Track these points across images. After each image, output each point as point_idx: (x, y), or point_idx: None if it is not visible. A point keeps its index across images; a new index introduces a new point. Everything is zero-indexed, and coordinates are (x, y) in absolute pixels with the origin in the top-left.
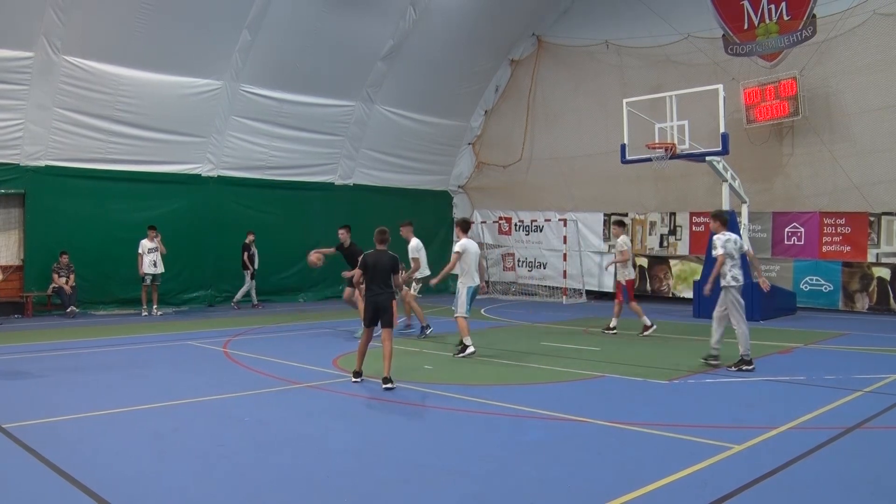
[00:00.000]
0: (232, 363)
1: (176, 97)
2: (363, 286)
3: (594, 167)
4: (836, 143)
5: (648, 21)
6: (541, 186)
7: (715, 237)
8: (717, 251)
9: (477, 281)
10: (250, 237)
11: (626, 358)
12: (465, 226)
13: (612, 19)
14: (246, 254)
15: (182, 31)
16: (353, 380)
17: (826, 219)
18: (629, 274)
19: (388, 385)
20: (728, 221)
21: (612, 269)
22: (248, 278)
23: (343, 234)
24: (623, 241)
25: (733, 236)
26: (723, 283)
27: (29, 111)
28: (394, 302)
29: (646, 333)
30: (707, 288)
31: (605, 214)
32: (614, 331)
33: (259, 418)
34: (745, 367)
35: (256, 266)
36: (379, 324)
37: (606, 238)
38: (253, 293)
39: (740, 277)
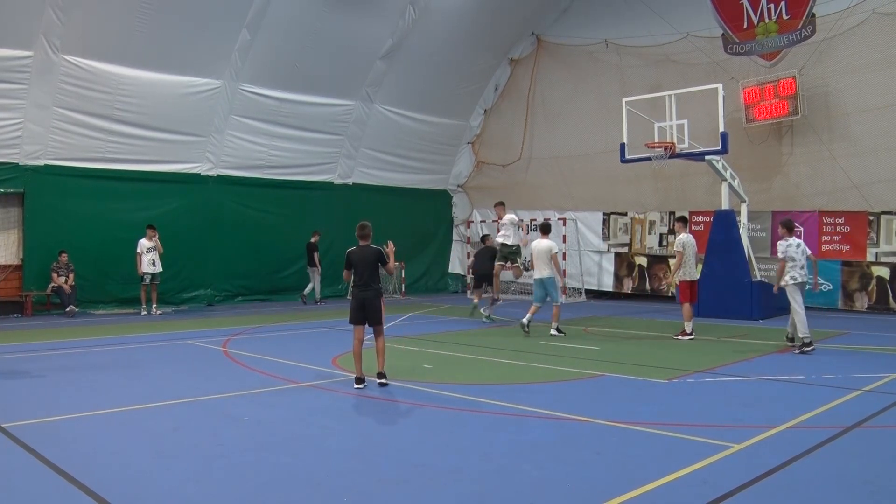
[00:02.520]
0: (231, 362)
1: (175, 96)
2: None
3: (593, 166)
4: (835, 142)
5: (648, 20)
6: (540, 186)
7: (778, 243)
8: (779, 255)
9: (542, 274)
10: (315, 237)
11: (626, 357)
12: (545, 228)
13: (611, 18)
14: (316, 253)
15: (181, 30)
16: (356, 386)
17: (825, 218)
18: (683, 275)
19: (383, 381)
20: (792, 228)
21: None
22: (315, 275)
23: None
24: (679, 240)
25: (795, 241)
26: (781, 283)
27: (28, 110)
28: (382, 298)
29: (681, 338)
30: (774, 288)
31: (604, 214)
32: (691, 336)
33: (258, 418)
34: (805, 349)
35: (319, 264)
36: (367, 322)
37: (606, 237)
38: (318, 290)
39: (798, 277)
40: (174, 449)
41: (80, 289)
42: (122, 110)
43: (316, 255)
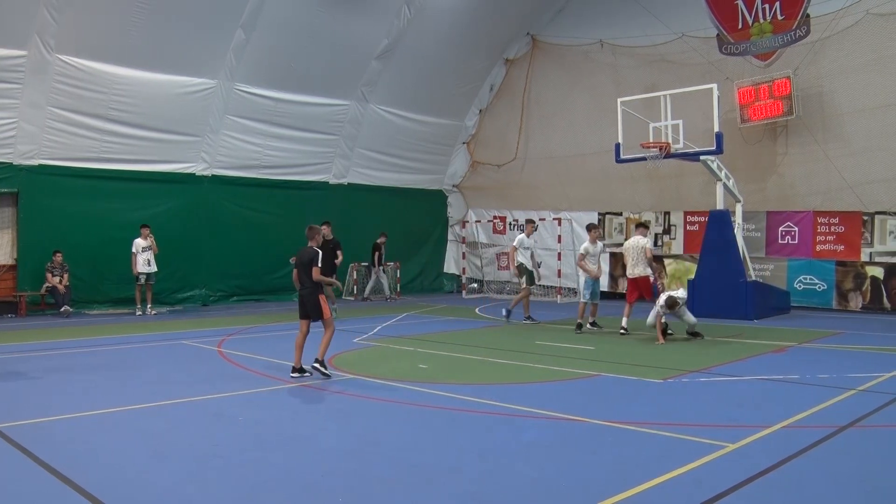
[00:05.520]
0: (226, 362)
1: (170, 96)
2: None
3: (589, 166)
4: (829, 142)
5: (643, 20)
6: (535, 186)
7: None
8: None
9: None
10: (382, 238)
11: (621, 357)
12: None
13: (606, 18)
14: (377, 253)
15: (176, 29)
16: (292, 374)
17: (820, 218)
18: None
19: (315, 366)
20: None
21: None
22: (377, 275)
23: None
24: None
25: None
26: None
27: (22, 110)
28: (320, 296)
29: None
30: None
31: (599, 214)
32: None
33: (253, 418)
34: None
35: (382, 263)
36: (310, 318)
37: (601, 237)
38: (387, 287)
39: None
40: (169, 449)
41: (74, 289)
42: (117, 110)
43: (377, 255)
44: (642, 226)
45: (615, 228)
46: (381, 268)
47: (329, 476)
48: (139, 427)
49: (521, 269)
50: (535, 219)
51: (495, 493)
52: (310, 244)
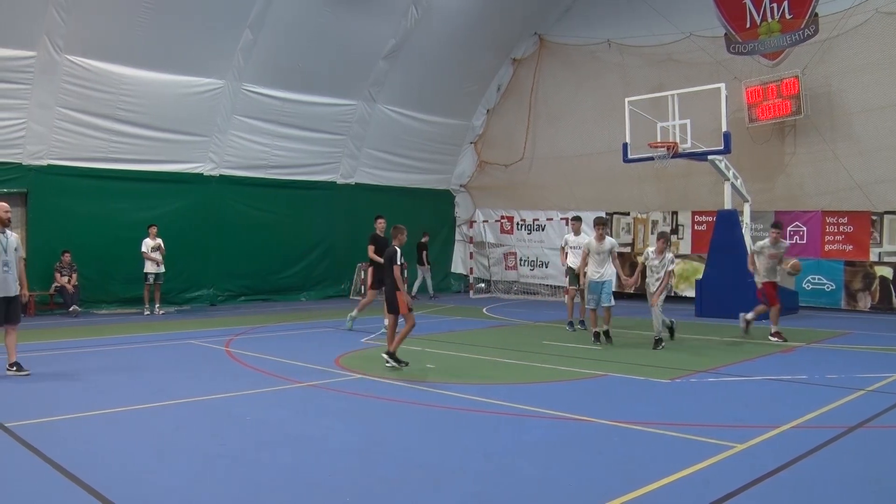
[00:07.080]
0: (234, 362)
1: (178, 96)
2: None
3: (596, 166)
4: (838, 141)
5: (650, 20)
6: (543, 185)
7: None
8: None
9: (591, 276)
10: (426, 238)
11: (628, 357)
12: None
13: (613, 18)
14: (424, 252)
15: (184, 30)
16: (387, 362)
17: (828, 218)
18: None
19: (386, 360)
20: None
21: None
22: (425, 273)
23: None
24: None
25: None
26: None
27: (31, 110)
28: (397, 293)
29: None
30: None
31: (606, 213)
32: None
33: (260, 417)
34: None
35: (428, 262)
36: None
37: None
38: (430, 284)
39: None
40: (176, 448)
41: (83, 288)
42: (125, 110)
43: (425, 254)
44: (773, 226)
45: (623, 228)
46: (428, 266)
47: (335, 475)
48: (146, 426)
49: (567, 270)
50: (543, 218)
51: (501, 493)
52: (393, 243)
